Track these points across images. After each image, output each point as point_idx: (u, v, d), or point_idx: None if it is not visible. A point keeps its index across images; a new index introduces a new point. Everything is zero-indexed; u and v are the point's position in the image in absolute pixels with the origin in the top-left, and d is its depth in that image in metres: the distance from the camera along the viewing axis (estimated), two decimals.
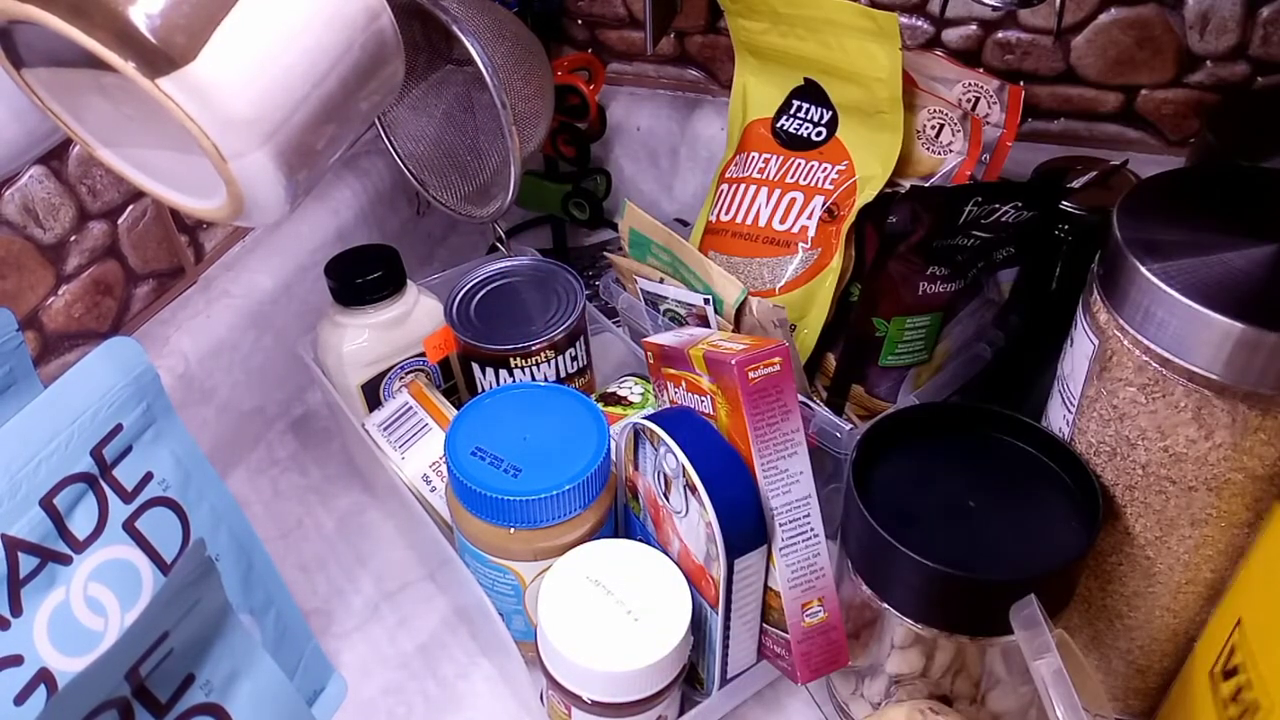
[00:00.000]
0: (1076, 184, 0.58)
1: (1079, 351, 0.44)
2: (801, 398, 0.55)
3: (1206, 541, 0.42)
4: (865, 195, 0.58)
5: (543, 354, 0.59)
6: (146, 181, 0.45)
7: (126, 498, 0.43)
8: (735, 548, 0.44)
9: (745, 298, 0.56)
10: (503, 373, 0.60)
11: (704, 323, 0.59)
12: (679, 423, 0.47)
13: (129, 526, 0.43)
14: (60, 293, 0.57)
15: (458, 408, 0.55)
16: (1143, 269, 0.38)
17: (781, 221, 0.62)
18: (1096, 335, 0.42)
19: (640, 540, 0.50)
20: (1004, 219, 0.53)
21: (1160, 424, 0.40)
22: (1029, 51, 0.69)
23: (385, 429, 0.59)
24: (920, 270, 0.52)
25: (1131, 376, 0.41)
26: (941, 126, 0.59)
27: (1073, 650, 0.40)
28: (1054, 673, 0.38)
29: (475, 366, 0.60)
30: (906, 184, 0.59)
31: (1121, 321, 0.40)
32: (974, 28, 0.70)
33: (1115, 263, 0.40)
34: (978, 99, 0.61)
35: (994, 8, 0.59)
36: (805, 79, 0.63)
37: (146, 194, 0.47)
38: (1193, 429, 0.39)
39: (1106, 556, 0.46)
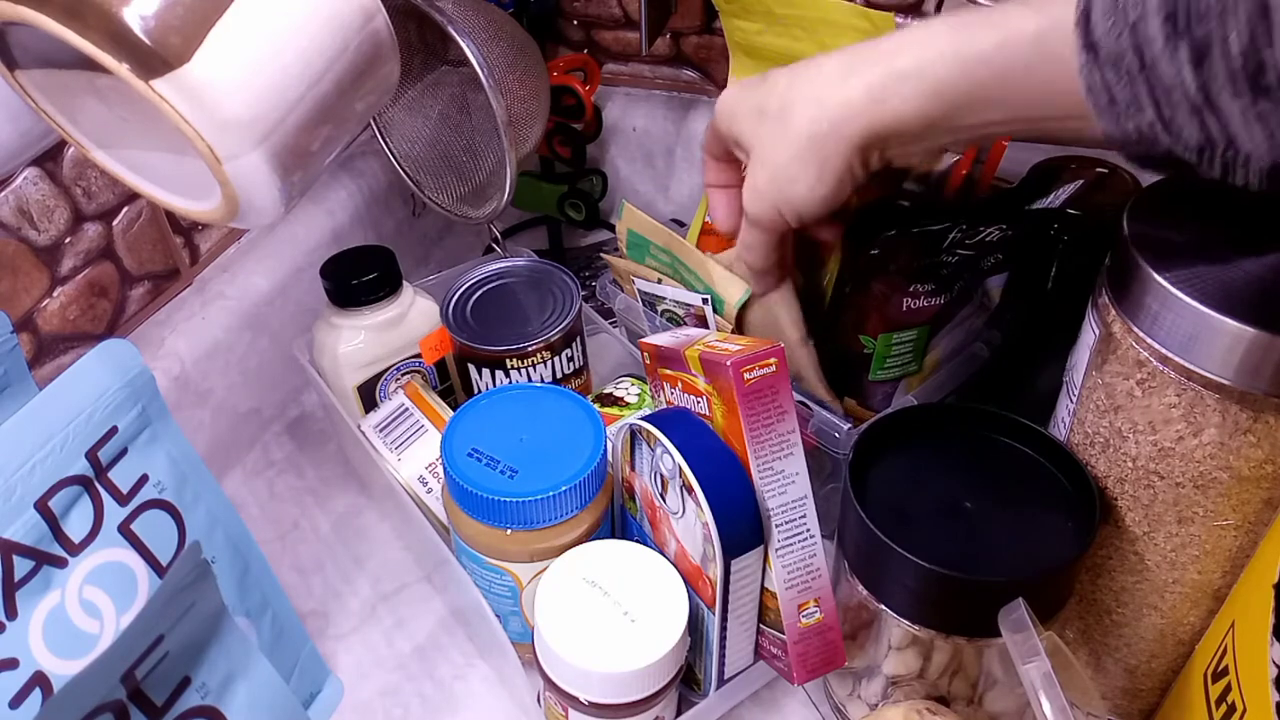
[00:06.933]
0: (1064, 194, 0.58)
1: (1082, 342, 0.45)
2: (799, 397, 0.55)
3: (1193, 541, 0.42)
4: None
5: (539, 355, 0.59)
6: (141, 183, 0.45)
7: (122, 500, 0.43)
8: (732, 548, 0.44)
9: (749, 298, 0.56)
10: (499, 374, 0.60)
11: (702, 323, 0.59)
12: (675, 423, 0.47)
13: (124, 529, 0.43)
14: (55, 295, 0.57)
15: (454, 409, 0.55)
16: (1151, 272, 0.38)
17: None
18: (1100, 328, 0.42)
19: (637, 541, 0.50)
20: (989, 239, 0.53)
21: (1152, 418, 0.41)
22: None
23: (381, 430, 0.59)
24: (903, 288, 0.53)
25: (1130, 370, 0.41)
26: None
27: (1063, 652, 0.40)
28: (1043, 676, 0.38)
29: (471, 367, 0.60)
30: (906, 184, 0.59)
31: (1126, 319, 0.40)
32: None
33: (1124, 264, 0.40)
34: None
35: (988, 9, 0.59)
36: None
37: (141, 196, 0.47)
38: (1182, 425, 0.40)
39: (1096, 550, 0.46)
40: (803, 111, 0.43)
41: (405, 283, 0.62)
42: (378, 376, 0.62)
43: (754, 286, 0.53)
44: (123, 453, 0.43)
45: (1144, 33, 0.32)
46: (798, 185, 0.44)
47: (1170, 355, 0.39)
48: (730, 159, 0.50)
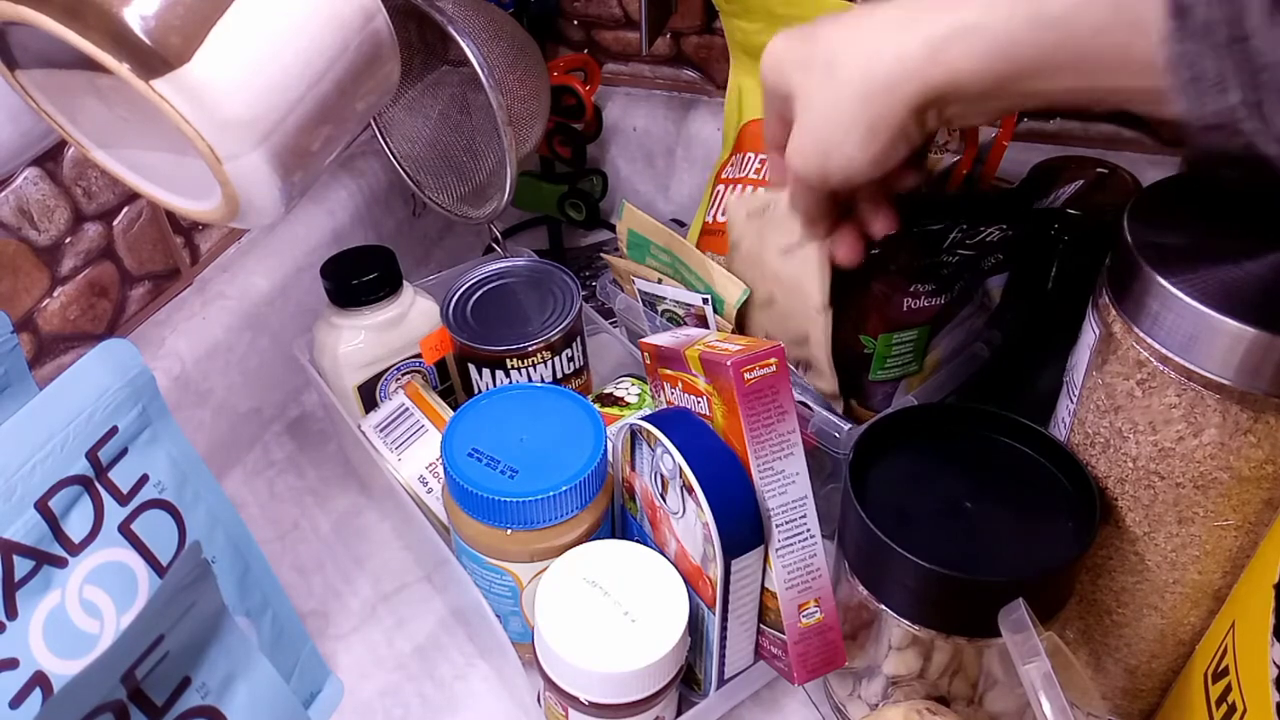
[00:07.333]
0: (1064, 194, 0.58)
1: (1082, 342, 0.44)
2: (799, 397, 0.55)
3: (1193, 541, 0.42)
4: None
5: (539, 355, 0.59)
6: (141, 183, 0.45)
7: (122, 500, 0.43)
8: (732, 548, 0.44)
9: (748, 297, 0.56)
10: (499, 374, 0.60)
11: (702, 323, 0.59)
12: (676, 423, 0.47)
13: (125, 529, 0.43)
14: (55, 295, 0.57)
15: (454, 409, 0.55)
16: (1151, 272, 0.38)
17: None
18: (1100, 328, 0.42)
19: (637, 541, 0.50)
20: (989, 239, 0.53)
21: (1152, 419, 0.41)
22: None
23: (382, 430, 0.59)
24: (904, 288, 0.52)
25: (1130, 370, 0.41)
26: None
27: (1064, 652, 0.40)
28: (1043, 676, 0.38)
29: (472, 367, 0.60)
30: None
31: (1127, 319, 0.40)
32: None
33: (1124, 264, 0.40)
34: None
35: None
36: None
37: (141, 196, 0.47)
38: (1182, 425, 0.40)
39: (1097, 550, 0.46)
40: (853, 65, 0.39)
41: (405, 283, 0.62)
42: (378, 376, 0.62)
43: (800, 228, 0.49)
44: (123, 453, 0.43)
45: None
46: (846, 146, 0.40)
47: (1170, 355, 0.39)
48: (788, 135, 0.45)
